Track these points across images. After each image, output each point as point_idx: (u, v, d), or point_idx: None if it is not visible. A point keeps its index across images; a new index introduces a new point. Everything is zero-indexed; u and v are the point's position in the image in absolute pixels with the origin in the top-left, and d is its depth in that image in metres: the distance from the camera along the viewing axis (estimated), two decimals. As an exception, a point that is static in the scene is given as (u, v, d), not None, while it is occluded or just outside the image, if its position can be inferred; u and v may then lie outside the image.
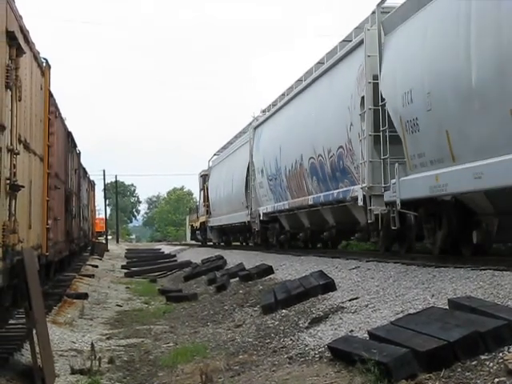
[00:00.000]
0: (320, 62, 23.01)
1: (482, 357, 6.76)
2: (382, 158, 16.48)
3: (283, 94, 27.98)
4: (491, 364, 6.57)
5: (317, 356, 9.03)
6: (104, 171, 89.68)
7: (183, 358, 10.88)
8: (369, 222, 17.39)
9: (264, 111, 32.33)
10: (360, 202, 17.60)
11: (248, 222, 33.27)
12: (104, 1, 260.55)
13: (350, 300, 12.38)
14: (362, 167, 17.53)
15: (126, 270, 35.79)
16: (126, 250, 63.62)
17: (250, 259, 26.09)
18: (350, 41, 19.60)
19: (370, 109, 17.12)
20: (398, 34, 15.49)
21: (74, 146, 28.28)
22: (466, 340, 6.88)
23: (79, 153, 32.27)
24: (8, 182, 9.60)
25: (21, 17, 11.06)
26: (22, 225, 11.06)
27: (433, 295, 10.60)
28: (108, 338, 13.82)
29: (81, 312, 16.95)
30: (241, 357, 10.37)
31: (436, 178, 13.42)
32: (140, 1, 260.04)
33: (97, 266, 36.96)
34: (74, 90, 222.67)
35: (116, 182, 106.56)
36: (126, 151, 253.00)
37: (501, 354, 6.68)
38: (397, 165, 15.33)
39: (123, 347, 12.76)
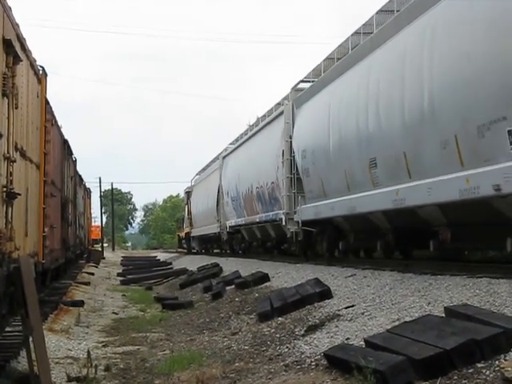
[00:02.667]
0: (265, 115, 31.82)
1: (479, 365, 6.77)
2: (293, 192, 24.57)
3: (244, 133, 36.59)
4: (488, 372, 6.58)
5: (313, 364, 9.03)
6: (100, 179, 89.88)
7: (179, 365, 10.85)
8: (287, 236, 25.22)
9: (232, 143, 40.60)
10: (283, 223, 25.42)
11: (219, 232, 41.25)
12: (104, 9, 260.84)
13: (346, 308, 12.38)
14: (282, 198, 25.75)
15: (121, 278, 35.75)
16: (122, 257, 63.57)
17: (246, 267, 26.10)
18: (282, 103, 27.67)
19: (287, 159, 25.18)
20: (301, 110, 23.92)
21: (70, 153, 28.27)
22: (463, 348, 6.89)
23: (75, 160, 32.27)
24: (5, 189, 9.61)
25: (17, 25, 11.08)
26: (19, 232, 11.06)
27: (429, 303, 10.61)
28: (104, 346, 13.79)
29: (77, 320, 16.92)
30: (237, 364, 10.36)
31: (316, 207, 21.49)
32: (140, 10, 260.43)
33: (93, 274, 36.93)
34: (69, 97, 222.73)
35: (112, 189, 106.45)
36: (122, 159, 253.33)
37: (497, 362, 6.70)
38: (299, 197, 23.54)
39: (119, 355, 12.73)
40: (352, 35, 20.51)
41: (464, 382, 6.54)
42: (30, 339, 9.31)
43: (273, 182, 27.26)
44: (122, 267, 47.08)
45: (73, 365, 11.21)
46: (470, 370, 6.70)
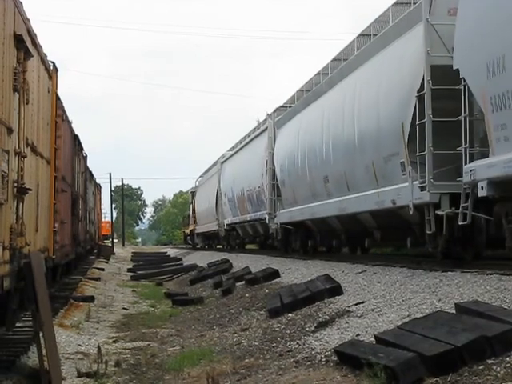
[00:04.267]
0: (255, 128, 37.42)
1: (489, 361, 6.75)
2: (274, 198, 29.38)
3: (239, 141, 41.69)
4: (498, 368, 6.55)
5: (323, 360, 9.03)
6: (110, 174, 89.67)
7: (189, 361, 10.87)
8: (270, 233, 30.82)
9: (229, 150, 45.52)
10: (267, 221, 30.20)
11: (217, 230, 45.87)
12: (113, 5, 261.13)
13: (356, 304, 12.37)
14: (266, 201, 30.41)
15: (132, 273, 35.79)
16: (132, 253, 63.65)
17: (256, 263, 26.09)
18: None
19: (270, 168, 29.75)
20: (280, 131, 29.39)
21: (81, 149, 28.32)
22: (473, 344, 6.87)
23: (86, 156, 32.31)
24: (15, 184, 9.61)
25: (28, 20, 11.08)
26: (29, 228, 11.08)
27: (439, 299, 10.58)
28: (114, 341, 13.81)
29: (87, 315, 16.95)
30: (247, 360, 10.37)
31: (290, 212, 26.67)
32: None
33: (103, 269, 37.00)
34: (80, 93, 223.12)
35: (122, 185, 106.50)
36: (132, 155, 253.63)
37: (508, 359, 6.68)
38: (278, 203, 28.76)
39: (129, 350, 12.76)
40: (331, 61, 23.70)
41: (474, 378, 6.52)
42: (41, 334, 9.34)
43: (259, 187, 32.37)
44: (132, 263, 47.18)
45: (83, 360, 11.24)
46: (481, 367, 6.68)
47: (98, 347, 11.56)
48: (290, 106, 29.22)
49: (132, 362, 11.62)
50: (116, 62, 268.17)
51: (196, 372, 10.05)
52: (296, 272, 20.02)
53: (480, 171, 12.28)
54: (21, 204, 10.07)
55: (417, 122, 14.52)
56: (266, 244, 35.78)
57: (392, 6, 17.92)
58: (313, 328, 11.45)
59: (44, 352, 9.14)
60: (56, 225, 15.43)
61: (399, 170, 15.57)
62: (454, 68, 13.13)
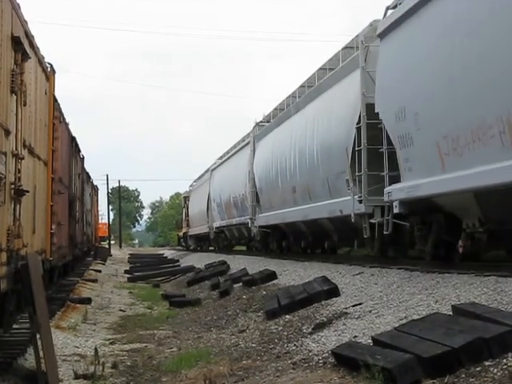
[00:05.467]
0: (242, 139, 39.49)
1: (486, 363, 6.75)
2: (254, 204, 32.61)
3: (227, 152, 45.17)
4: (495, 370, 6.56)
5: (321, 362, 9.03)
6: (107, 176, 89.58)
7: (187, 363, 10.87)
8: (252, 235, 34.05)
9: (219, 158, 48.34)
10: (249, 225, 33.71)
11: (208, 232, 49.48)
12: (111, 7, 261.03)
13: (353, 306, 12.37)
14: (249, 206, 33.70)
15: (129, 275, 35.77)
16: (129, 254, 63.58)
17: (254, 264, 26.09)
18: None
19: (251, 178, 32.94)
20: (259, 144, 32.77)
21: (78, 150, 28.32)
22: (470, 346, 6.88)
23: (83, 158, 32.31)
24: (13, 186, 9.62)
25: (26, 22, 11.09)
26: (27, 229, 11.08)
27: (436, 301, 10.59)
28: (111, 343, 13.81)
29: (84, 317, 16.95)
30: (244, 362, 10.36)
31: (267, 216, 30.22)
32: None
33: (100, 271, 36.99)
34: (77, 94, 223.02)
35: (119, 186, 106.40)
36: (129, 156, 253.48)
37: (505, 361, 6.68)
38: (257, 208, 32.29)
39: (126, 352, 12.76)
40: (298, 88, 27.54)
41: (472, 380, 6.53)
42: (38, 336, 9.33)
43: (243, 194, 35.56)
44: (129, 264, 47.15)
45: (80, 362, 11.24)
46: (478, 369, 6.68)
47: (95, 349, 11.55)
48: (268, 122, 32.85)
49: (129, 363, 11.62)
50: (113, 64, 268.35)
51: (193, 374, 10.05)
52: (293, 273, 20.02)
53: (394, 193, 15.62)
54: (18, 206, 10.07)
55: (356, 148, 18.08)
56: (250, 245, 39.52)
57: (342, 49, 21.86)
58: (310, 330, 11.46)
59: (41, 354, 9.14)
60: (53, 226, 15.42)
61: (345, 186, 19.16)
62: (376, 111, 16.34)
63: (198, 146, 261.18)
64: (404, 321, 9.64)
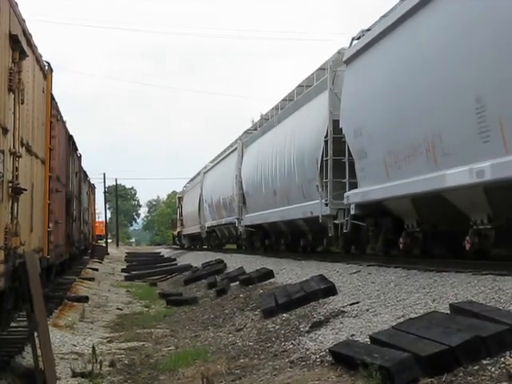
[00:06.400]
0: (231, 145, 41.97)
1: (484, 361, 6.76)
2: (241, 205, 35.10)
3: (218, 156, 47.24)
4: (493, 369, 6.57)
5: (318, 360, 9.03)
6: (104, 174, 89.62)
7: (184, 361, 10.87)
8: (238, 234, 36.89)
9: (211, 162, 50.95)
10: (236, 225, 36.16)
11: (199, 232, 52.24)
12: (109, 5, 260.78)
13: (350, 304, 12.37)
14: (236, 208, 36.01)
15: (126, 274, 35.78)
16: (126, 253, 63.59)
17: (251, 263, 26.10)
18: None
19: (238, 181, 35.35)
20: (247, 150, 35.27)
21: (75, 149, 28.30)
22: (468, 345, 6.88)
23: (80, 156, 32.29)
24: (10, 184, 9.61)
25: (24, 20, 11.08)
26: (24, 228, 11.07)
27: (434, 300, 10.60)
28: (109, 342, 13.82)
29: (81, 315, 16.94)
30: (242, 361, 10.37)
31: (251, 217, 32.79)
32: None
33: (97, 270, 36.99)
34: (75, 93, 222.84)
35: (116, 185, 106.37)
36: (126, 155, 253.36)
37: (502, 359, 6.69)
38: (243, 209, 34.80)
39: (124, 350, 12.76)
40: (280, 101, 30.31)
41: (469, 378, 6.53)
42: (35, 334, 9.33)
43: (231, 196, 37.86)
44: (126, 263, 47.14)
45: (78, 360, 11.24)
46: (476, 367, 6.69)
47: (93, 347, 11.54)
48: (255, 129, 35.73)
49: (126, 362, 11.62)
50: (112, 62, 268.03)
51: (191, 372, 10.06)
52: (290, 272, 20.03)
53: (351, 197, 18.60)
54: (16, 204, 10.06)
55: (324, 159, 20.96)
56: (238, 243, 42.73)
57: (316, 70, 24.22)
58: (307, 328, 11.46)
59: (39, 352, 9.14)
60: (50, 225, 15.41)
61: (315, 191, 21.87)
62: (340, 127, 19.24)
63: (198, 145, 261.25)
64: (401, 319, 9.64)
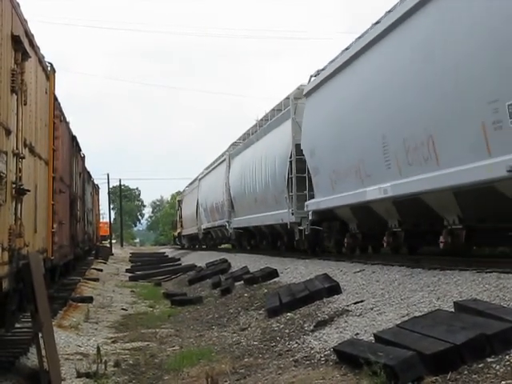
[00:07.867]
0: (222, 155, 45.94)
1: (489, 359, 6.75)
2: (230, 209, 39.28)
3: (213, 163, 50.60)
4: (498, 367, 6.56)
5: (322, 359, 9.03)
6: (108, 175, 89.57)
7: (189, 361, 10.87)
8: (228, 235, 41.59)
9: (206, 168, 54.71)
10: (226, 227, 40.60)
11: (197, 233, 56.13)
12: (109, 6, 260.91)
13: (355, 303, 12.37)
14: (226, 212, 40.38)
15: (130, 274, 35.76)
16: (131, 253, 63.60)
17: (255, 262, 26.10)
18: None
19: (228, 188, 39.40)
20: (233, 162, 39.99)
21: (79, 149, 28.31)
22: (473, 343, 6.88)
23: (84, 157, 32.31)
24: (14, 185, 9.62)
25: (26, 21, 11.08)
26: (28, 229, 11.08)
27: (438, 298, 10.59)
28: (113, 342, 13.81)
29: (86, 316, 16.93)
30: (246, 360, 10.37)
31: (239, 220, 37.19)
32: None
33: (101, 270, 36.97)
34: (78, 93, 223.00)
35: (120, 185, 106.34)
36: (130, 155, 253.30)
37: (507, 357, 6.68)
38: (232, 213, 39.05)
39: (129, 351, 12.75)
40: (259, 120, 34.55)
41: (474, 376, 6.53)
42: (40, 335, 9.33)
43: (222, 201, 42.06)
44: (131, 263, 47.15)
45: (82, 361, 11.23)
46: (481, 365, 6.68)
47: (98, 348, 11.55)
48: (241, 142, 39.56)
49: (131, 362, 11.61)
50: (114, 63, 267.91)
51: (195, 372, 10.06)
52: (295, 271, 20.03)
53: (310, 206, 23.23)
54: (19, 205, 10.07)
55: (289, 176, 25.39)
56: (230, 243, 47.27)
57: (284, 99, 28.47)
58: (312, 327, 11.46)
59: (43, 353, 9.14)
60: (54, 226, 15.42)
61: (285, 201, 25.95)
62: (301, 148, 23.81)
63: (200, 145, 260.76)
64: (406, 318, 9.64)
